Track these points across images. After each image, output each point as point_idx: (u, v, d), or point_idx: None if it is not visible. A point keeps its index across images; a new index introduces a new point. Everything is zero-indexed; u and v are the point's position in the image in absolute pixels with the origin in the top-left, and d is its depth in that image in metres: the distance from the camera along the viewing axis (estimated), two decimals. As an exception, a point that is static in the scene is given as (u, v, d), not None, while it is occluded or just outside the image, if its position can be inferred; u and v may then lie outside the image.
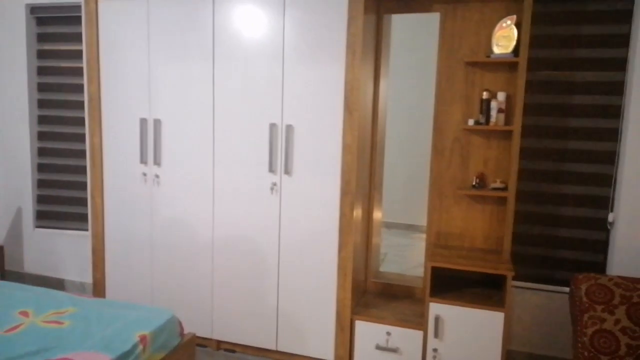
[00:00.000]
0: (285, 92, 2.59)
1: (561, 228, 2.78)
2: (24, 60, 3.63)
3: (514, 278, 2.81)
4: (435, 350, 2.50)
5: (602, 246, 2.74)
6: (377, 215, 3.02)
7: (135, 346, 1.88)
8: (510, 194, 2.53)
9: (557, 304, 2.76)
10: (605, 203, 2.70)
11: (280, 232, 2.69)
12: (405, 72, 3.03)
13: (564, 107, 2.71)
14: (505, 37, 2.49)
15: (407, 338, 2.56)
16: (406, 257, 3.38)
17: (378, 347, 2.60)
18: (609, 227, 2.70)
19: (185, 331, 2.30)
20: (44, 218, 3.78)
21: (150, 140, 2.86)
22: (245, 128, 2.68)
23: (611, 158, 2.67)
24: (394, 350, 2.59)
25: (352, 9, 2.41)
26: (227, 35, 2.65)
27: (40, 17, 3.63)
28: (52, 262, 3.77)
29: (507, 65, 2.59)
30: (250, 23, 2.61)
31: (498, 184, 2.63)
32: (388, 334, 2.59)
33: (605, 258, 2.73)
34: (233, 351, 2.91)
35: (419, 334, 2.54)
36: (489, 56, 2.55)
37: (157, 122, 2.84)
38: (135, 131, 2.89)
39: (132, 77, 2.86)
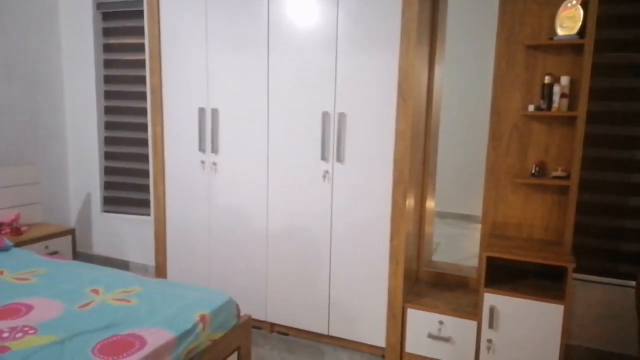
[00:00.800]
0: (338, 81, 2.60)
1: (627, 219, 2.63)
2: (91, 53, 3.85)
3: (575, 270, 2.70)
4: (489, 341, 2.46)
5: (673, 239, 2.57)
6: (430, 204, 2.98)
7: (196, 325, 1.97)
8: (573, 183, 2.43)
9: (621, 299, 2.63)
10: (679, 193, 2.53)
11: (332, 220, 2.72)
12: (462, 57, 2.96)
13: (632, 92, 2.54)
14: (570, 18, 2.37)
15: (460, 328, 2.53)
16: (459, 247, 3.32)
17: (430, 336, 2.59)
18: (682, 219, 2.53)
19: (245, 314, 2.39)
20: (111, 203, 4.01)
21: (208, 129, 2.97)
22: (298, 116, 2.71)
23: (687, 145, 2.49)
24: (446, 340, 2.56)
25: (407, -7, 2.37)
26: (281, 26, 2.68)
27: (105, 12, 3.82)
28: (118, 245, 4.01)
29: (571, 47, 2.46)
30: (304, 13, 2.62)
31: (559, 173, 2.53)
32: (440, 322, 2.57)
33: (678, 252, 2.57)
34: (286, 334, 2.99)
35: (472, 324, 2.50)
36: (552, 38, 2.44)
37: (215, 112, 2.93)
38: (194, 120, 3.00)
39: (191, 68, 2.97)
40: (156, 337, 1.83)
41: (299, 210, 2.79)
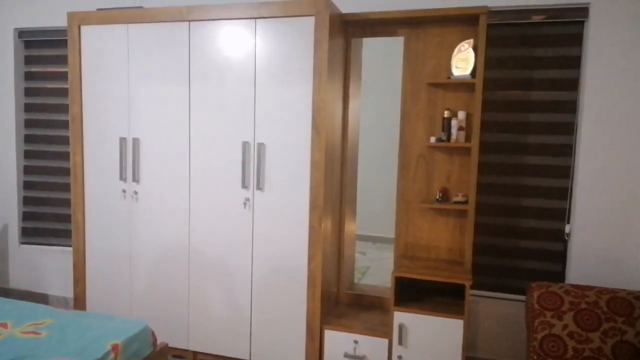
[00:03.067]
0: (257, 112, 2.73)
1: (522, 240, 2.92)
2: (11, 81, 3.77)
3: (475, 287, 2.95)
4: (400, 357, 2.61)
5: (561, 256, 2.88)
6: (350, 228, 3.15)
7: (107, 354, 1.98)
8: (470, 207, 2.67)
9: (518, 313, 2.89)
10: (563, 215, 2.85)
11: (254, 246, 2.81)
12: (378, 91, 3.18)
13: (521, 125, 2.87)
14: (463, 60, 2.66)
15: (373, 346, 2.67)
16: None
17: (346, 355, 2.71)
18: (566, 237, 2.85)
19: (162, 342, 2.40)
20: (30, 235, 3.88)
21: (129, 158, 2.99)
22: (219, 146, 2.82)
23: (567, 172, 2.83)
24: (361, 358, 2.69)
25: (318, 34, 2.57)
26: (202, 58, 2.80)
27: (28, 41, 3.78)
28: (37, 278, 3.86)
29: (466, 85, 2.75)
30: (224, 46, 2.76)
31: (460, 198, 2.78)
32: (355, 342, 2.70)
33: (564, 268, 2.87)
34: (210, 362, 3.01)
35: (384, 341, 2.65)
36: (449, 77, 2.72)
37: (136, 141, 2.97)
38: (115, 150, 3.02)
39: (113, 97, 3.01)
40: (63, 367, 1.83)
41: (221, 237, 2.86)
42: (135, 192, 3.00)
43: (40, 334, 2.12)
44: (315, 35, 2.58)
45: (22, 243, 3.89)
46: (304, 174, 2.68)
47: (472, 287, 2.69)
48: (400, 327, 2.59)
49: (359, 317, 2.88)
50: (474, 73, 2.65)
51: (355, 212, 3.18)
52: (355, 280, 3.26)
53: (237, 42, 2.73)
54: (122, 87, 2.98)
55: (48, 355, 1.92)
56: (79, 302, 3.19)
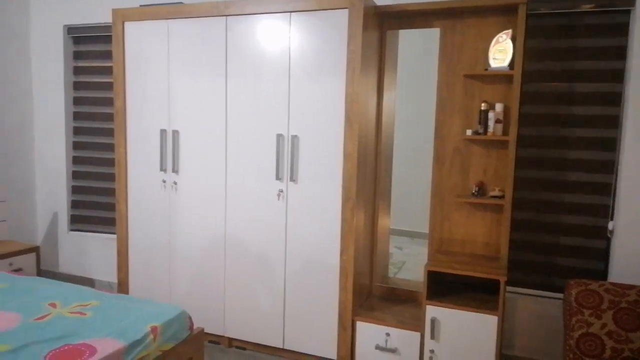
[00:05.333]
0: (291, 105, 2.77)
1: (562, 236, 2.83)
2: (62, 76, 3.97)
3: (512, 284, 2.89)
4: (432, 351, 2.60)
5: (603, 254, 2.78)
6: (384, 222, 3.14)
7: (146, 335, 2.08)
8: (507, 202, 2.62)
9: (556, 311, 2.81)
10: (606, 211, 2.75)
11: (287, 236, 2.86)
12: (414, 83, 3.15)
13: (562, 118, 2.78)
14: (501, 51, 2.60)
15: (405, 339, 2.67)
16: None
17: (378, 347, 2.72)
18: (609, 235, 2.74)
19: (198, 327, 2.49)
20: (78, 222, 4.09)
21: (169, 150, 3.10)
22: (254, 138, 2.88)
23: (610, 167, 2.72)
24: (392, 351, 2.70)
25: (352, 27, 2.57)
26: (239, 52, 2.86)
27: (76, 37, 3.97)
28: (84, 263, 4.07)
29: (504, 77, 2.69)
30: (259, 42, 2.81)
31: (496, 192, 2.72)
32: (387, 334, 2.71)
33: (607, 266, 2.77)
34: (244, 348, 3.09)
35: (416, 335, 2.65)
36: (486, 69, 2.66)
37: (176, 133, 3.07)
38: (156, 141, 3.13)
39: (154, 91, 3.12)
40: (106, 346, 1.93)
41: (255, 227, 2.93)
42: (175, 183, 3.11)
43: (85, 314, 2.24)
44: (349, 28, 2.58)
45: (71, 230, 4.10)
46: (336, 166, 2.70)
47: (508, 284, 2.65)
48: (433, 321, 2.58)
49: (391, 310, 2.89)
50: (512, 64, 2.58)
51: (390, 206, 3.17)
52: (391, 275, 3.26)
53: (272, 35, 2.77)
54: (162, 81, 3.09)
55: (92, 334, 2.03)
56: (122, 286, 3.34)
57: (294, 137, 2.78)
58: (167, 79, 3.07)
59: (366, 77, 2.71)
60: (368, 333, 2.74)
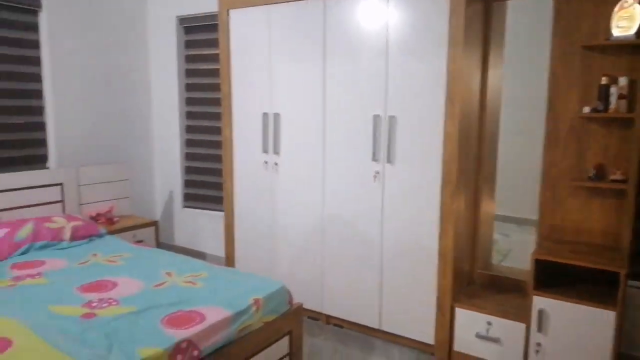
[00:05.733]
0: (389, 85, 2.72)
1: (699, 226, 2.48)
2: (175, 64, 4.29)
3: (634, 277, 2.60)
4: (538, 344, 2.45)
5: None
6: (488, 207, 2.99)
7: (250, 307, 2.21)
8: (630, 187, 2.35)
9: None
10: None
11: (383, 217, 2.84)
12: (524, 58, 2.93)
13: None
14: (626, 18, 2.31)
15: (508, 329, 2.54)
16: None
17: (478, 336, 2.63)
18: None
19: (297, 302, 2.59)
20: (190, 199, 4.43)
21: (270, 132, 3.22)
22: (351, 119, 2.88)
23: None
24: (494, 341, 2.58)
25: (453, 1, 2.44)
26: (336, 35, 2.87)
27: (187, 27, 4.24)
28: (196, 237, 4.41)
29: (629, 47, 2.39)
30: (357, 22, 2.78)
31: (618, 176, 2.45)
32: (489, 323, 2.59)
33: None
34: (341, 326, 3.16)
35: (521, 326, 2.50)
36: (607, 39, 2.39)
37: (277, 116, 3.18)
38: (259, 124, 3.27)
39: (256, 76, 3.25)
40: (214, 314, 2.09)
41: (351, 208, 2.95)
42: (276, 164, 3.23)
43: (196, 284, 2.44)
44: (451, 2, 2.46)
45: (184, 207, 4.46)
46: (436, 147, 2.62)
47: (630, 277, 2.39)
48: (540, 312, 2.42)
49: (494, 298, 2.76)
50: (639, 33, 2.28)
51: (494, 191, 3.00)
52: (495, 262, 3.10)
53: (370, 15, 2.73)
54: (264, 65, 3.20)
55: (202, 302, 2.20)
56: (229, 260, 3.58)
57: (392, 118, 2.73)
58: (269, 63, 3.18)
59: (469, 53, 2.57)
60: (468, 320, 2.65)
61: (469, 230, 2.88)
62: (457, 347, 2.71)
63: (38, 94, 3.58)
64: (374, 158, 2.81)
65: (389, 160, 2.77)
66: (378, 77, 2.75)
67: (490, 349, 2.61)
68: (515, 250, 3.17)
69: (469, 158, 2.75)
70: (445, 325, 2.71)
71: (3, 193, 3.18)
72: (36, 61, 3.55)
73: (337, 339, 3.02)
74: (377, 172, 2.82)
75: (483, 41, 2.77)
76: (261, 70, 3.22)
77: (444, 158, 2.59)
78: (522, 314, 2.53)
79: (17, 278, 2.49)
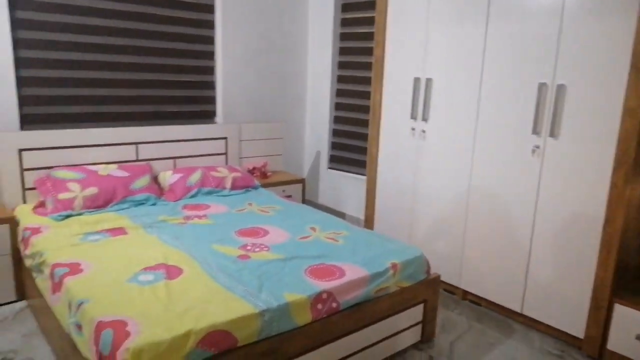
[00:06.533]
0: (560, 49, 2.44)
1: None
2: (330, 27, 4.38)
3: None
4: None
5: None
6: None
7: (387, 270, 2.25)
8: None
9: None
10: None
11: (538, 196, 2.62)
12: None
13: None
14: None
15: (681, 337, 2.20)
16: None
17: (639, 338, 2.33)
18: None
19: (435, 272, 2.56)
20: (335, 162, 4.59)
21: (420, 98, 3.14)
22: (512, 88, 2.66)
23: None
24: (661, 347, 2.27)
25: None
26: (504, -7, 2.64)
27: (345, -9, 4.28)
28: (338, 198, 4.59)
29: None
30: (530, -22, 2.52)
31: None
32: (656, 327, 2.28)
33: None
34: (478, 304, 3.05)
35: (699, 336, 2.15)
36: None
37: (429, 81, 3.08)
38: (409, 89, 3.21)
39: (411, 39, 3.16)
40: (353, 271, 2.17)
41: (503, 182, 2.77)
42: (423, 131, 3.16)
43: (337, 241, 2.55)
44: (654, -50, 2.08)
45: (329, 168, 4.64)
46: (611, 122, 2.30)
47: None
48: None
49: (666, 300, 2.40)
50: None
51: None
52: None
53: (547, -30, 2.45)
54: (420, 28, 3.10)
55: (341, 259, 2.30)
56: (368, 222, 3.66)
57: (560, 87, 2.46)
58: (426, 25, 3.07)
59: (669, 13, 2.16)
60: (629, 319, 2.36)
61: (642, 220, 2.52)
62: (611, 346, 2.44)
63: (210, 55, 3.97)
64: (535, 131, 2.58)
65: (552, 134, 2.52)
66: (548, 40, 2.48)
67: (654, 356, 2.30)
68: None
69: (652, 137, 2.36)
70: (600, 320, 2.44)
71: (179, 142, 3.65)
72: (210, 25, 3.92)
73: (473, 315, 2.93)
74: (537, 147, 2.59)
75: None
76: (417, 33, 3.13)
77: (620, 135, 2.26)
78: (702, 324, 2.17)
79: (187, 217, 2.88)
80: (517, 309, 2.81)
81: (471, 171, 2.93)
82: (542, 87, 2.53)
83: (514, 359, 2.49)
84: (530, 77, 2.57)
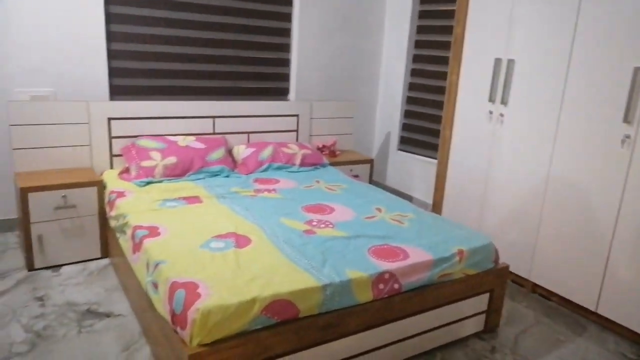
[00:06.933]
0: (664, 31, 2.22)
1: None
2: (409, 5, 4.26)
3: None
4: None
5: None
6: None
7: (453, 255, 2.20)
8: None
9: None
10: None
11: (624, 194, 2.43)
12: None
13: None
14: None
15: None
16: None
17: None
18: None
19: (503, 262, 2.47)
20: (405, 143, 4.51)
21: (500, 80, 2.99)
22: (602, 72, 2.46)
23: None
24: None
25: None
26: (603, -32, 2.42)
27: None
28: (406, 180, 4.52)
29: None
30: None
31: None
32: None
33: None
34: (548, 298, 2.91)
35: None
36: None
37: (511, 62, 2.92)
38: (489, 71, 3.06)
39: (495, 18, 3.00)
40: (417, 254, 2.15)
41: (585, 174, 2.60)
42: (501, 115, 3.02)
43: (403, 223, 2.53)
44: None
45: (399, 149, 4.57)
46: None
47: None
48: None
49: None
50: None
51: None
52: None
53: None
54: (504, 6, 2.93)
55: (406, 241, 2.28)
56: (437, 207, 3.59)
57: (661, 72, 2.24)
58: (511, 5, 2.89)
59: None
60: None
61: None
62: (698, 357, 2.25)
63: (287, 33, 4.01)
64: (626, 119, 2.38)
65: (646, 123, 2.31)
66: (650, 20, 2.26)
67: None
68: None
69: None
70: (687, 328, 2.25)
71: (253, 118, 3.76)
72: (289, 1, 3.95)
73: (542, 310, 2.81)
74: (628, 137, 2.39)
75: None
76: (500, 11, 2.96)
77: None
78: None
79: (258, 190, 2.97)
80: (591, 307, 2.65)
81: (551, 159, 2.76)
82: (637, 71, 2.31)
83: (584, 359, 2.36)
84: (625, 60, 2.36)
